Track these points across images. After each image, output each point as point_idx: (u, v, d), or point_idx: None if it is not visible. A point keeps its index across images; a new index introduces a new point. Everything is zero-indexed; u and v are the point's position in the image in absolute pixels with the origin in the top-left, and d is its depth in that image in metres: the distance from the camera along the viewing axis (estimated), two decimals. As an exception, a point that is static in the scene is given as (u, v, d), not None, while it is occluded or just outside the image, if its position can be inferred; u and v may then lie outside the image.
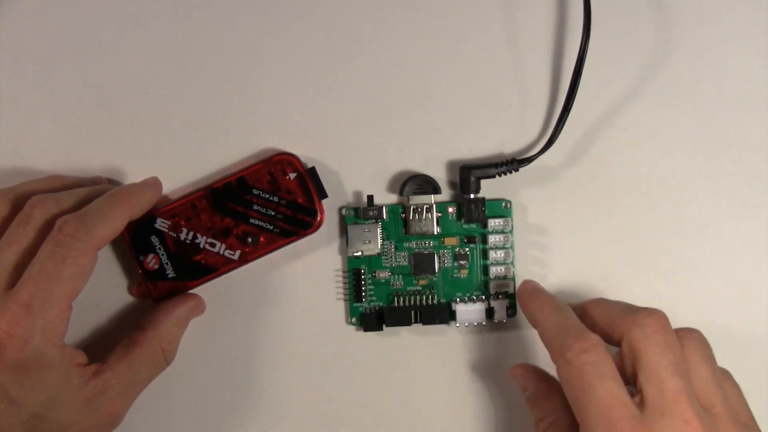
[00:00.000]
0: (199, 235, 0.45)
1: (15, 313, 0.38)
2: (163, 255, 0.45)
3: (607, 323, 0.40)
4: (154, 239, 0.44)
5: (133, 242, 0.44)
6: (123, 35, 0.46)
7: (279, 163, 0.45)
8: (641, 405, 0.38)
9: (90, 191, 0.43)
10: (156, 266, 0.45)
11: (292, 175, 0.44)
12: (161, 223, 0.45)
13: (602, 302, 0.42)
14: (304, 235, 0.45)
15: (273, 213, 0.44)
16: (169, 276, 0.45)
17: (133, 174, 0.46)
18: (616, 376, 0.38)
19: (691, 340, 0.40)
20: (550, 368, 0.45)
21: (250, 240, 0.45)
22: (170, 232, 0.45)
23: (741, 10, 0.46)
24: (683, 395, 0.37)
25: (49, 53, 0.46)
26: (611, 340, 0.40)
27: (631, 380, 0.39)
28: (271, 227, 0.45)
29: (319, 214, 0.45)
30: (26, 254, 0.40)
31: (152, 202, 0.44)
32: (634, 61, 0.46)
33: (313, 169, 0.45)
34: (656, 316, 0.39)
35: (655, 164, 0.46)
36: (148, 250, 0.44)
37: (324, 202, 0.46)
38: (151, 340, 0.43)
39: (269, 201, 0.44)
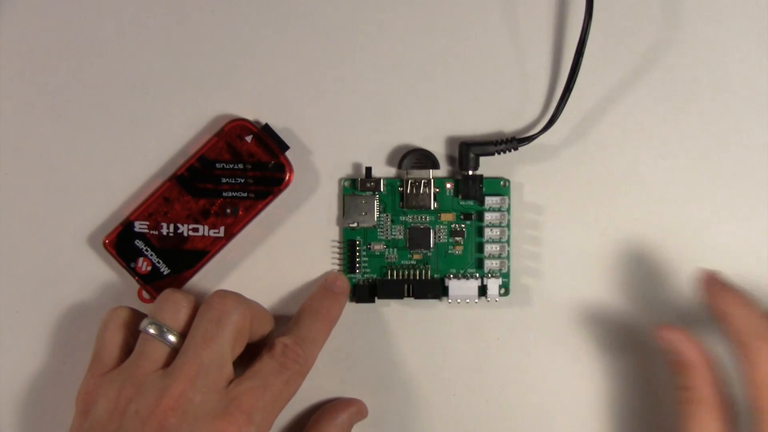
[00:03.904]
0: (179, 225, 0.45)
1: (237, 417, 0.39)
2: (152, 255, 0.45)
3: None
4: (139, 243, 0.45)
5: (119, 253, 0.45)
6: (123, 35, 0.46)
7: (232, 130, 0.45)
8: None
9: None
10: (149, 268, 0.45)
11: (249, 138, 0.45)
12: (140, 226, 0.45)
13: None
14: (280, 191, 0.45)
15: (243, 180, 0.45)
16: (165, 273, 0.45)
17: (127, 172, 0.46)
18: None
19: None
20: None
21: (229, 212, 0.45)
22: (151, 231, 0.45)
23: (743, 9, 0.46)
24: None
25: (49, 53, 0.46)
26: None
27: None
28: (246, 194, 0.45)
29: (286, 166, 0.45)
30: (222, 354, 0.41)
31: (343, 308, 0.45)
32: (635, 58, 0.46)
33: (267, 126, 0.45)
34: None
35: (654, 161, 0.46)
36: (137, 255, 0.45)
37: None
38: None
39: (235, 170, 0.45)
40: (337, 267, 0.46)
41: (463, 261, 0.46)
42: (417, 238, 0.46)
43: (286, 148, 0.45)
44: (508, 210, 0.46)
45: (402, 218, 0.46)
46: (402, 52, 0.46)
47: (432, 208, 0.46)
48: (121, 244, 0.45)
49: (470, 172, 0.45)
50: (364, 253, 0.46)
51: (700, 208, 0.46)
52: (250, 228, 0.46)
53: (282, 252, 0.46)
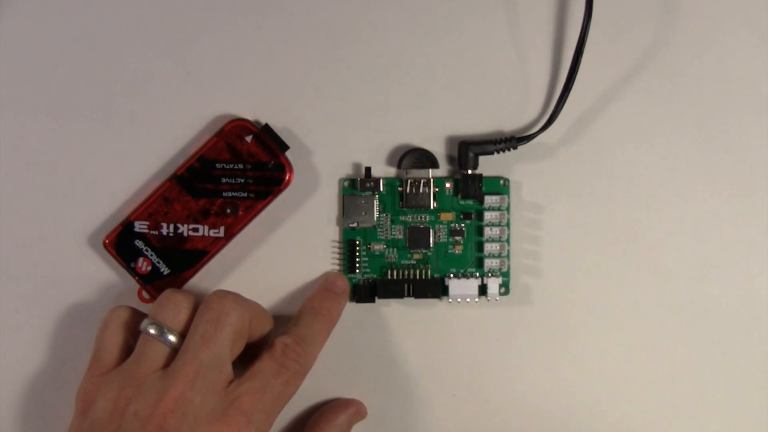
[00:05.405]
0: (180, 225, 0.45)
1: (236, 419, 0.39)
2: (152, 255, 0.45)
3: None
4: (139, 243, 0.45)
5: (119, 253, 0.45)
6: (123, 35, 0.46)
7: (232, 130, 0.45)
8: None
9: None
10: (149, 268, 0.45)
11: (249, 138, 0.45)
12: (140, 226, 0.45)
13: None
14: (280, 191, 0.45)
15: (242, 180, 0.45)
16: (165, 273, 0.45)
17: (127, 172, 0.46)
18: None
19: None
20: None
21: (229, 212, 0.45)
22: (151, 231, 0.45)
23: (743, 9, 0.46)
24: None
25: (49, 53, 0.46)
26: None
27: None
28: (246, 194, 0.45)
29: (286, 166, 0.45)
30: (221, 355, 0.41)
31: (343, 309, 0.45)
32: (634, 57, 0.46)
33: (266, 126, 0.45)
34: None
35: (654, 161, 0.46)
36: (137, 255, 0.45)
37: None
38: None
39: (235, 170, 0.45)
40: (337, 267, 0.46)
41: (463, 260, 0.46)
42: (417, 237, 0.46)
43: (286, 148, 0.45)
44: (508, 209, 0.46)
45: (402, 218, 0.46)
46: (402, 52, 0.46)
47: (431, 207, 0.46)
48: (121, 244, 0.45)
49: (470, 172, 0.45)
50: (364, 253, 0.46)
51: (700, 208, 0.46)
52: (250, 228, 0.46)
53: (282, 252, 0.46)
